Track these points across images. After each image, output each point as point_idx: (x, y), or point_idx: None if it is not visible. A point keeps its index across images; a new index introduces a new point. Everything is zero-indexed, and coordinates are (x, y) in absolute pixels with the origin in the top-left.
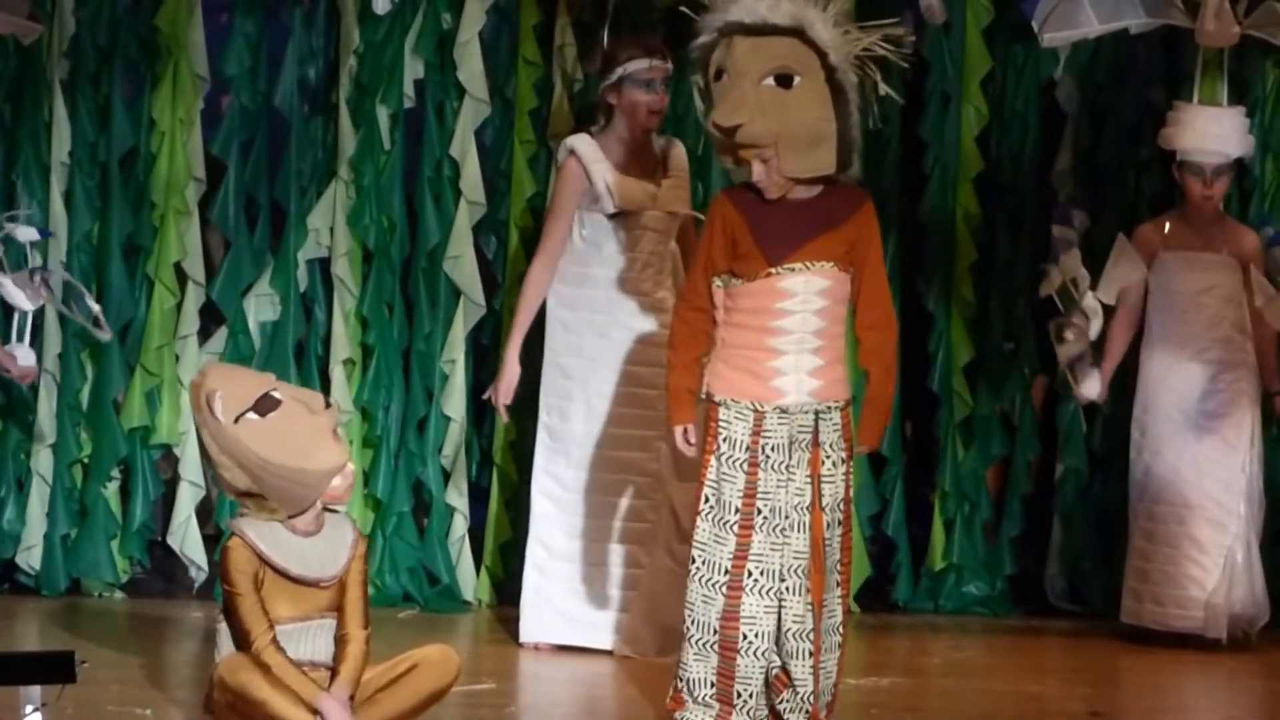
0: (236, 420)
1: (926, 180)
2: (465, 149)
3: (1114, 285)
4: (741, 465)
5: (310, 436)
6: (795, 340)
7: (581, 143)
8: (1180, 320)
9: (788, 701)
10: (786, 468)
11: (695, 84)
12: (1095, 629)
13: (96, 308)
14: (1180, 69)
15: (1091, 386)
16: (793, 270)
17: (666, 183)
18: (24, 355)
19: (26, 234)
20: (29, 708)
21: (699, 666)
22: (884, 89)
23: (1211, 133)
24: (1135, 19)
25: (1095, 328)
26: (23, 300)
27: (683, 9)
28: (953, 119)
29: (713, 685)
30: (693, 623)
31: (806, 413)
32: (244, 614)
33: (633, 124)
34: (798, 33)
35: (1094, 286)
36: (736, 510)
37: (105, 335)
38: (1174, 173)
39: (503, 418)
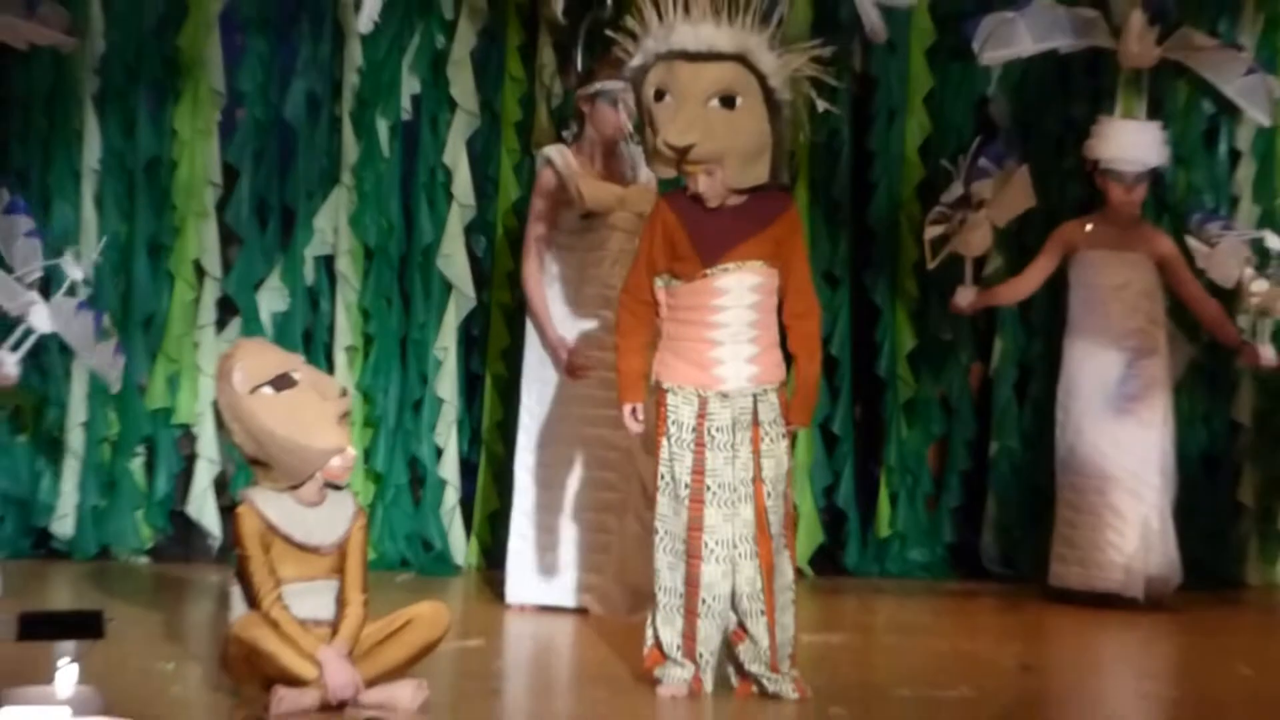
0: (252, 391)
1: (874, 187)
2: (456, 157)
3: (1003, 210)
4: (689, 445)
5: (315, 418)
6: (732, 332)
7: (556, 153)
8: (1099, 312)
9: (747, 653)
10: (731, 446)
11: (624, 101)
12: (1025, 591)
13: (122, 362)
14: (1103, 87)
15: (963, 296)
16: (726, 270)
17: (635, 187)
18: (11, 363)
19: (74, 271)
20: (62, 661)
21: (667, 629)
22: (822, 105)
23: (1132, 144)
24: (1065, 40)
25: (975, 245)
26: (44, 323)
27: (609, 33)
28: (898, 132)
29: (679, 646)
30: (660, 588)
31: (746, 396)
32: (253, 574)
33: (601, 134)
34: (739, 58)
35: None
36: (687, 486)
37: (114, 388)
38: (1097, 179)
39: (574, 372)
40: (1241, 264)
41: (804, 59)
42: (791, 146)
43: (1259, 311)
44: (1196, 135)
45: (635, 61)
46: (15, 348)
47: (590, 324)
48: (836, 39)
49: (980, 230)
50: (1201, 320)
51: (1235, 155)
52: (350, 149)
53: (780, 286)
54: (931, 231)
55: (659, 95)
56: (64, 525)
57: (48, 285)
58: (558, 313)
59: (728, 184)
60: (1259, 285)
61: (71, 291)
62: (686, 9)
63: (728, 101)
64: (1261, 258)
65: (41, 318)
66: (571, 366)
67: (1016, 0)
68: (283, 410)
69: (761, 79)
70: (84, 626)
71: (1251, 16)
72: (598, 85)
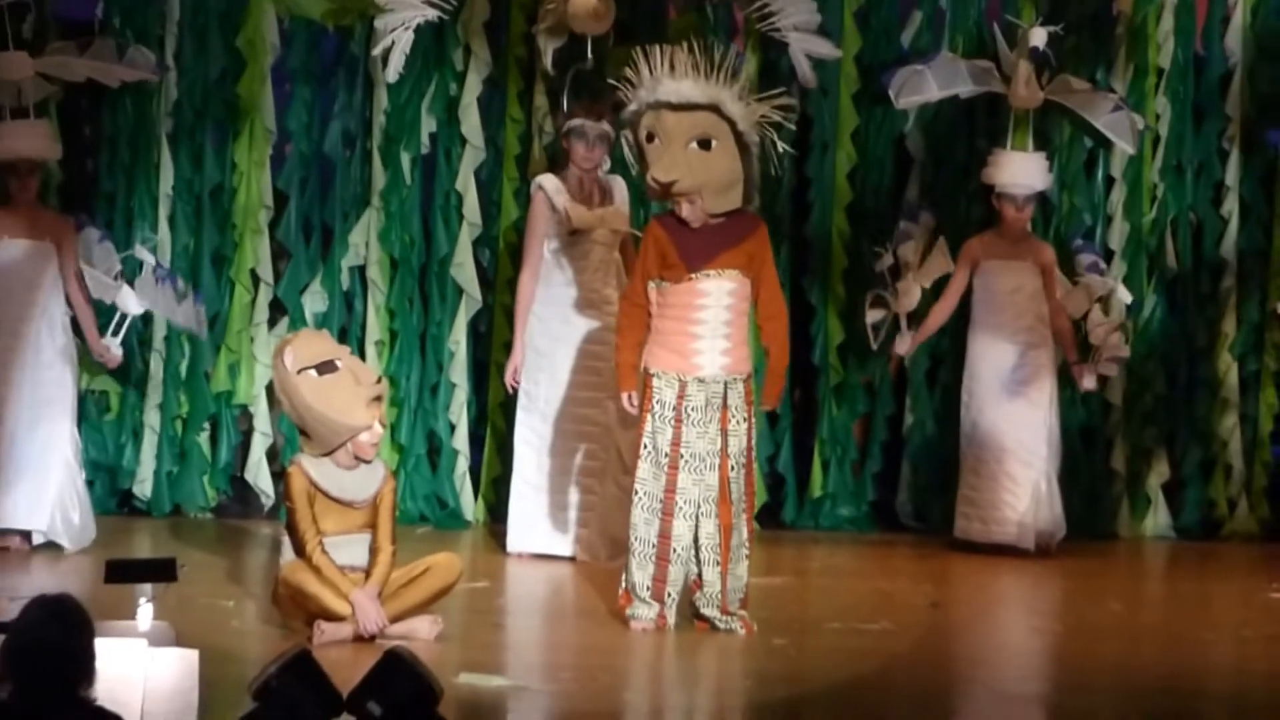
0: (299, 372)
1: (810, 207)
2: (466, 184)
3: (928, 275)
4: (670, 421)
5: (347, 399)
6: (710, 328)
7: (546, 180)
8: (996, 311)
9: (702, 598)
10: (704, 423)
11: (626, 140)
12: (935, 542)
13: (203, 310)
14: (998, 124)
15: (902, 344)
16: (707, 276)
17: (610, 209)
18: (115, 347)
19: (147, 256)
20: (142, 600)
21: (640, 573)
22: (782, 146)
23: (1021, 171)
24: (966, 87)
25: (906, 304)
26: (133, 305)
27: (611, 81)
28: (830, 161)
29: (649, 588)
30: (636, 539)
31: (719, 382)
32: (299, 524)
33: (578, 164)
34: (713, 108)
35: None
36: (666, 455)
37: (202, 335)
38: (993, 201)
39: (510, 386)
40: (1092, 302)
41: (767, 107)
42: (758, 180)
43: (1095, 343)
44: (1078, 164)
45: (630, 108)
46: (115, 333)
47: (579, 322)
48: (777, 85)
49: (910, 294)
50: (1053, 327)
51: (1110, 181)
52: (379, 177)
53: (753, 293)
54: (872, 316)
55: (649, 138)
56: (144, 488)
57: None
58: (550, 313)
59: (706, 210)
60: (1099, 324)
61: (151, 269)
62: (671, 67)
63: (704, 144)
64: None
65: (130, 301)
66: (506, 379)
67: (925, 54)
68: (321, 390)
69: (732, 124)
70: (159, 571)
71: (1123, 65)
72: (570, 124)
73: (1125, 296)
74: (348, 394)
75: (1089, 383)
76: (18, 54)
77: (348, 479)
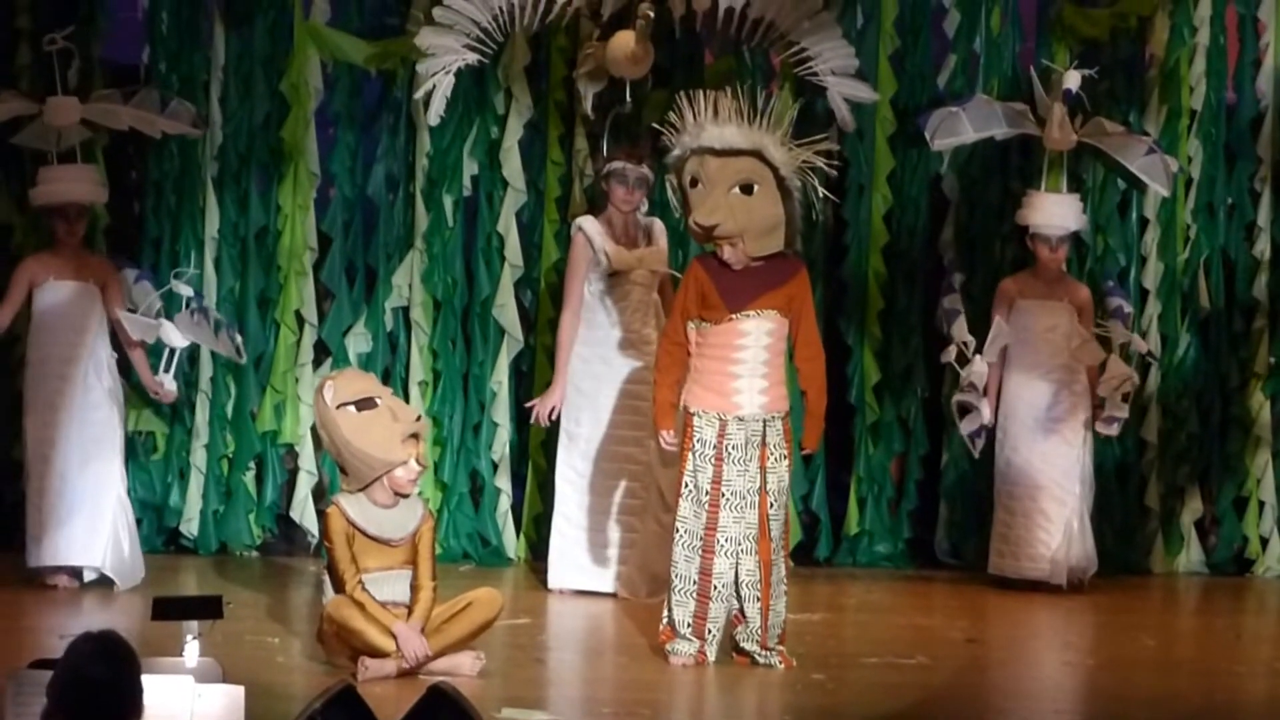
0: (339, 407)
1: (847, 249)
2: (508, 226)
3: (994, 350)
4: (710, 460)
5: (383, 435)
6: (749, 367)
7: (587, 222)
8: (1032, 350)
9: (742, 633)
10: (743, 461)
11: (670, 184)
12: (970, 578)
13: (239, 337)
14: (1033, 166)
15: (986, 413)
16: (747, 316)
17: (649, 250)
18: (169, 383)
19: (185, 290)
20: (189, 637)
21: (681, 610)
22: (823, 192)
23: (1056, 212)
24: (1000, 129)
25: (981, 384)
26: (177, 339)
27: (656, 126)
28: (866, 203)
29: (690, 624)
30: (677, 576)
31: (757, 421)
32: (338, 562)
33: (616, 207)
34: (756, 153)
35: (979, 347)
36: (707, 493)
37: (241, 359)
38: (1028, 242)
39: (543, 423)
40: (1102, 356)
41: (808, 152)
42: (799, 223)
43: (1110, 390)
44: (1112, 206)
45: (674, 153)
46: (167, 369)
47: (619, 362)
48: (813, 129)
49: (983, 373)
50: (1086, 368)
51: (1144, 222)
52: (422, 220)
53: (791, 335)
54: (966, 426)
55: (693, 182)
56: (190, 526)
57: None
58: (591, 353)
59: (748, 253)
60: (1111, 377)
61: (185, 305)
62: (715, 112)
63: (747, 189)
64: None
65: (173, 335)
66: (542, 406)
67: (960, 96)
68: (359, 425)
69: (774, 169)
70: (206, 608)
71: (1156, 108)
72: (610, 167)
73: (1141, 347)
74: (384, 430)
75: (1104, 429)
76: (67, 99)
77: (386, 517)
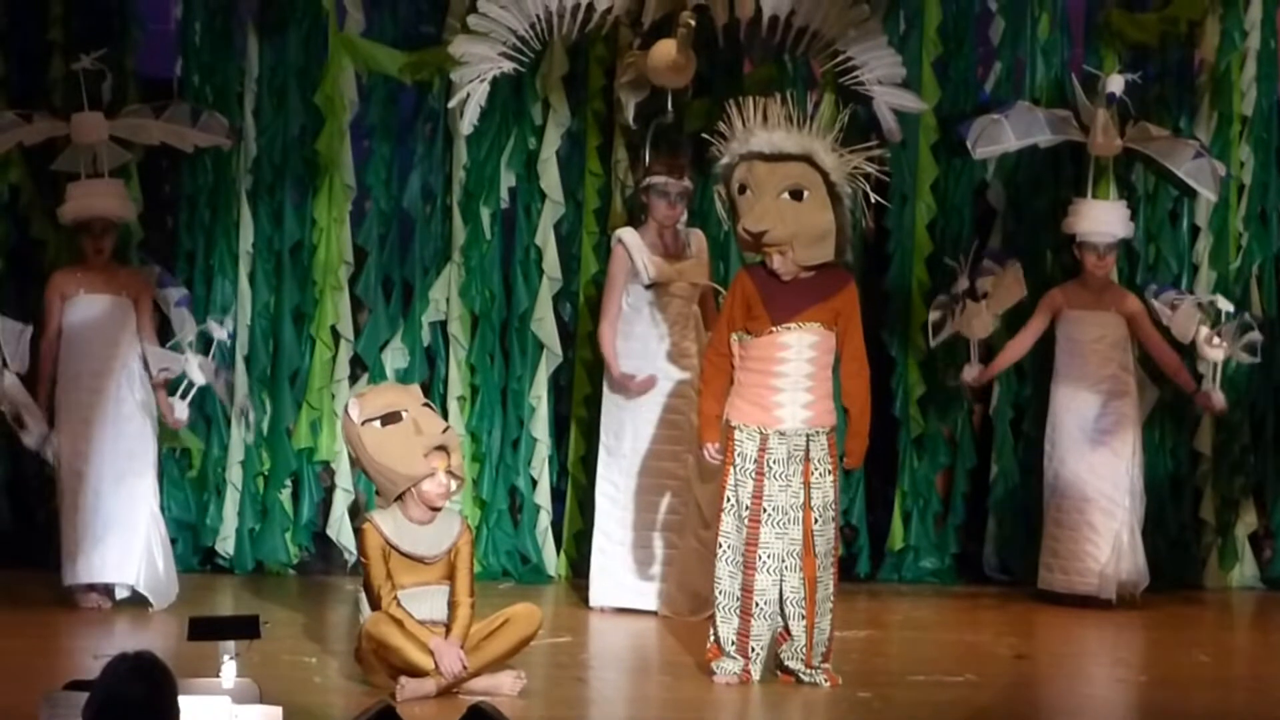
0: (364, 423)
1: (890, 259)
2: (546, 239)
3: (1000, 302)
4: (751, 474)
5: (404, 449)
6: (792, 381)
7: (626, 233)
8: (1079, 361)
9: (787, 650)
10: (785, 476)
11: (718, 193)
12: (1018, 593)
13: (249, 407)
14: (1079, 173)
15: (969, 372)
16: (789, 329)
17: (689, 262)
18: (181, 409)
19: (219, 332)
20: (226, 657)
21: (725, 627)
22: (874, 197)
23: (1102, 220)
24: (1044, 136)
25: (977, 330)
26: (198, 376)
27: (705, 135)
28: (909, 213)
29: (734, 642)
30: (721, 593)
31: (800, 435)
32: (374, 579)
33: (656, 219)
34: (806, 158)
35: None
36: (748, 508)
37: (250, 436)
38: (1075, 250)
39: (646, 386)
40: (1197, 324)
41: (859, 158)
42: (850, 232)
43: (1214, 362)
44: (1163, 214)
45: (723, 160)
46: (183, 396)
47: (658, 376)
48: (858, 138)
49: (981, 317)
50: (1164, 368)
51: (1195, 230)
52: (459, 232)
53: (837, 349)
54: (932, 316)
55: (741, 189)
56: (226, 545)
57: (208, 346)
58: (630, 366)
59: (797, 262)
60: (1214, 341)
61: (218, 350)
62: (764, 118)
63: (796, 195)
64: (1215, 318)
65: (195, 372)
66: (628, 386)
67: (1003, 103)
68: (383, 440)
69: (824, 175)
70: (243, 628)
71: (1207, 113)
72: (649, 180)
73: (1226, 305)
74: (406, 443)
75: (1219, 402)
76: (92, 115)
77: (422, 534)
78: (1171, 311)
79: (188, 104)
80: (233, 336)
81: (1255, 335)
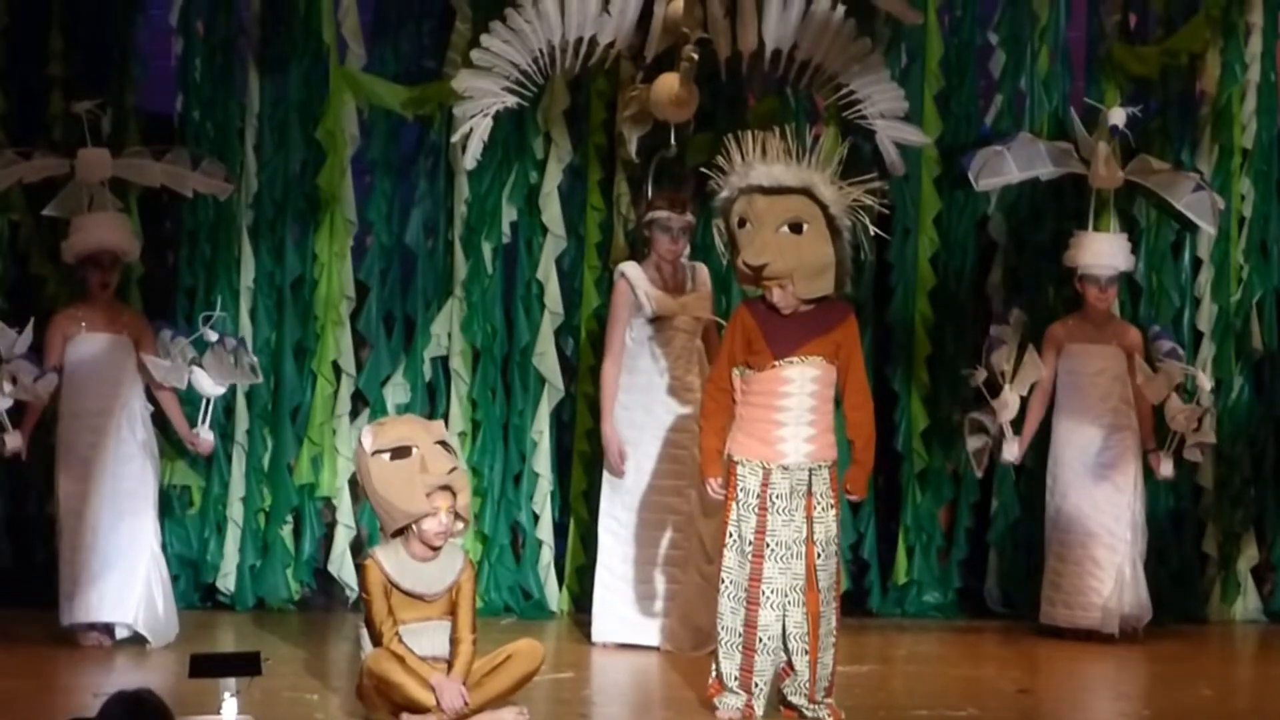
0: (374, 454)
1: (893, 292)
2: (548, 273)
3: (1023, 383)
4: (754, 509)
5: (407, 486)
6: (794, 415)
7: (629, 268)
8: (1081, 395)
9: (790, 686)
10: (788, 511)
11: (717, 227)
12: (1021, 627)
13: (252, 358)
14: (1080, 205)
15: (1010, 451)
16: (791, 363)
17: (692, 295)
18: (205, 434)
19: (210, 336)
20: (227, 694)
21: (728, 663)
22: (874, 230)
23: (1104, 252)
24: (1045, 169)
25: (1006, 416)
26: (209, 388)
27: (704, 170)
28: (912, 246)
29: (737, 677)
30: (723, 628)
31: (803, 469)
32: (375, 615)
33: (658, 253)
34: (805, 191)
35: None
36: (750, 543)
37: (258, 378)
38: (1076, 283)
39: (623, 475)
40: (1170, 389)
41: (859, 191)
42: (849, 264)
43: (1175, 429)
44: (1165, 247)
45: (722, 194)
46: (204, 420)
47: (661, 410)
48: (857, 170)
49: (1010, 406)
50: (1135, 409)
51: (1197, 263)
52: (460, 267)
53: (839, 382)
54: (973, 443)
55: (741, 223)
56: (227, 581)
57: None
58: (633, 401)
59: (798, 295)
60: (1179, 411)
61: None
62: (764, 152)
63: (796, 228)
64: (1191, 392)
65: (206, 384)
66: (615, 467)
67: (1005, 136)
68: (388, 474)
69: (824, 208)
70: (244, 665)
71: (1208, 146)
72: (651, 214)
73: (1206, 384)
74: (409, 480)
75: (1166, 470)
76: (97, 152)
77: (423, 571)
78: (1151, 373)
79: (187, 151)
80: (226, 334)
81: (1209, 437)
